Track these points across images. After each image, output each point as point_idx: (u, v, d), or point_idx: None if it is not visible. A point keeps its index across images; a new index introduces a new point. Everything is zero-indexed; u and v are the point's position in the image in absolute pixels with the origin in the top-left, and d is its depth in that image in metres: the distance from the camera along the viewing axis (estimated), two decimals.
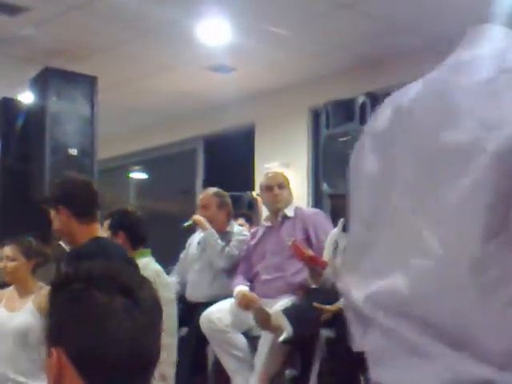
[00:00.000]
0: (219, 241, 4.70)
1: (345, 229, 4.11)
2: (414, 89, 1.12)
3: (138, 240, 4.29)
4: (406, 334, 1.01)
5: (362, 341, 1.10)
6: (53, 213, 3.15)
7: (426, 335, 0.98)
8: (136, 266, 3.07)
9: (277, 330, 3.87)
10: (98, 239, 3.12)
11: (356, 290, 1.13)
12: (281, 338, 3.83)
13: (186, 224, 4.91)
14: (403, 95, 1.14)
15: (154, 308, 1.24)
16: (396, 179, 1.08)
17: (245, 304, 4.33)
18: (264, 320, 3.90)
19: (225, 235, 4.80)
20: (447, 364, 0.96)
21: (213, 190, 4.97)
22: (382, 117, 1.15)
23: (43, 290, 3.78)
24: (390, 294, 1.06)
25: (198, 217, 4.82)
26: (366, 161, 1.16)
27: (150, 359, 1.23)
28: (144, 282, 1.27)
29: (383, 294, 1.07)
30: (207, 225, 4.76)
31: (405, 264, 1.05)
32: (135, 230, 4.30)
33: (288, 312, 3.90)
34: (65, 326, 1.20)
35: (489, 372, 0.93)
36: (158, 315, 1.26)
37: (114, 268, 1.28)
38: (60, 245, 4.18)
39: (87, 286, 1.20)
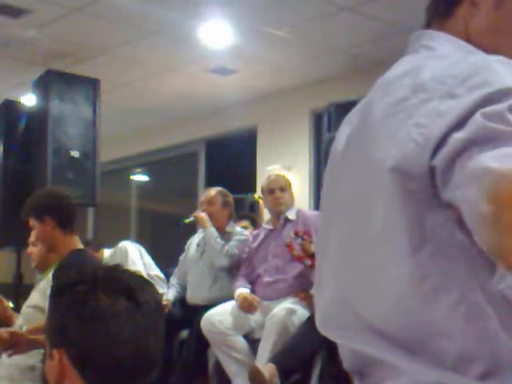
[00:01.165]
0: (219, 239, 4.71)
1: None
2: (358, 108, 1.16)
3: None
4: (368, 350, 1.04)
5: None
6: (35, 223, 3.29)
7: (385, 347, 1.01)
8: None
9: None
10: (80, 250, 3.31)
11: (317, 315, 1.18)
12: None
13: (188, 220, 4.92)
14: (354, 114, 1.17)
15: (156, 310, 1.25)
16: (338, 199, 1.13)
17: (246, 307, 4.33)
18: (259, 382, 3.90)
19: (224, 235, 4.81)
20: (409, 373, 0.99)
21: (217, 188, 5.00)
22: (340, 136, 1.19)
23: None
24: (333, 309, 1.10)
25: (200, 214, 4.83)
26: (325, 184, 1.22)
27: (150, 361, 1.24)
28: (146, 285, 1.28)
29: (329, 311, 1.11)
30: (208, 223, 4.77)
31: (344, 279, 1.09)
32: None
33: (276, 360, 3.93)
34: (68, 328, 1.21)
35: (443, 375, 0.96)
36: (160, 317, 1.27)
37: (117, 271, 1.29)
38: None
39: (92, 288, 1.21)
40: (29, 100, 5.68)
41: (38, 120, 5.22)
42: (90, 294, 1.20)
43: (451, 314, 0.95)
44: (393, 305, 1.00)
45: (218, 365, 4.40)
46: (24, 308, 3.83)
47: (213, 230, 4.74)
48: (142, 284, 1.27)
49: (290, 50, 6.06)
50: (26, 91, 5.90)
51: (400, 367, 0.99)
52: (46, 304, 3.99)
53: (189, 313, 4.70)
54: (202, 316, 4.37)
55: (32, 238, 3.80)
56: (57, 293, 1.26)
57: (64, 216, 3.28)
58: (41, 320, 3.59)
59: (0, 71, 6.53)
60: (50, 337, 1.24)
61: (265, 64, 6.38)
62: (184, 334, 4.70)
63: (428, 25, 1.17)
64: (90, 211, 8.98)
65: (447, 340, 0.96)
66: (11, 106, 5.53)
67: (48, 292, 4.02)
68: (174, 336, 4.67)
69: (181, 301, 4.95)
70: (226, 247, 4.68)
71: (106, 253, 5.59)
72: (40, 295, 3.71)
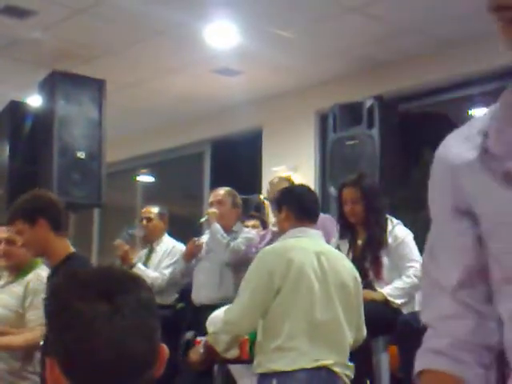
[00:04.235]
0: (225, 235, 4.78)
1: (340, 235, 4.22)
2: None
3: None
4: None
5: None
6: (25, 226, 3.14)
7: None
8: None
9: None
10: (75, 254, 3.20)
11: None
12: None
13: (202, 220, 5.07)
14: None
15: (141, 310, 1.23)
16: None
17: None
18: None
19: (231, 234, 4.85)
20: None
21: (226, 188, 5.06)
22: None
23: None
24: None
25: (212, 210, 4.89)
26: None
27: (136, 362, 1.22)
28: (131, 285, 1.26)
29: None
30: (214, 220, 4.85)
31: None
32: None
33: None
34: (54, 337, 1.21)
35: None
36: (146, 317, 1.25)
37: (96, 274, 1.28)
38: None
39: (69, 294, 1.21)
40: (35, 101, 5.70)
41: (44, 121, 5.24)
42: (67, 302, 1.21)
43: None
44: None
45: (223, 365, 4.40)
46: None
47: (218, 226, 4.80)
48: (125, 285, 1.24)
49: (295, 51, 6.06)
50: (31, 92, 5.92)
51: None
52: (20, 309, 3.62)
53: (194, 313, 4.71)
54: (207, 317, 4.36)
55: (3, 235, 3.68)
56: (45, 303, 1.28)
57: (58, 217, 3.17)
58: (13, 323, 3.54)
59: (6, 72, 6.55)
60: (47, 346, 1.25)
61: (270, 65, 6.38)
62: (189, 335, 4.69)
63: None
64: (96, 212, 9.00)
65: None
66: (17, 107, 5.55)
67: (25, 298, 3.84)
68: (179, 337, 4.67)
69: (186, 302, 4.95)
70: (232, 243, 4.73)
71: (168, 240, 5.57)
72: (16, 300, 3.60)
